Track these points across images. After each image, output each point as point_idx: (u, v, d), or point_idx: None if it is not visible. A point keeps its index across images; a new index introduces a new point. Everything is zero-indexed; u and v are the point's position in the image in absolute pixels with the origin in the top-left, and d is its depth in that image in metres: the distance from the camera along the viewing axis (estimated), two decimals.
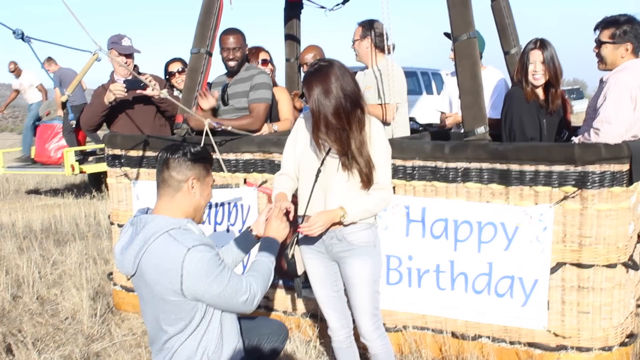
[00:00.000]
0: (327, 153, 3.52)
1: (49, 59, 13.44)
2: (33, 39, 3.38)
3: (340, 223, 3.53)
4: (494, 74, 5.88)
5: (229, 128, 4.84)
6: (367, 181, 3.50)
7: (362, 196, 3.55)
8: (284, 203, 3.53)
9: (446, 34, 4.58)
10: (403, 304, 4.48)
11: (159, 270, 3.01)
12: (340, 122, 3.42)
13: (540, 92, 4.71)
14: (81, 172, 12.48)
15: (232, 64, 5.32)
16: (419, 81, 19.59)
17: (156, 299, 3.09)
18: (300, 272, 3.79)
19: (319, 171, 3.55)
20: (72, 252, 7.63)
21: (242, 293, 3.10)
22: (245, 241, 3.67)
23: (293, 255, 3.74)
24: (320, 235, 3.61)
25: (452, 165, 4.24)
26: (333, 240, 3.63)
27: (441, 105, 6.50)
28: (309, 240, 3.71)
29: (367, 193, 3.55)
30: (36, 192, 14.77)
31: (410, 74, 18.52)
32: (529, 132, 4.62)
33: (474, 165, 4.18)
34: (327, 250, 3.69)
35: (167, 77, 6.52)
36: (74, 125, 12.32)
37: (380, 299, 3.80)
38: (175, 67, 6.51)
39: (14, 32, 3.35)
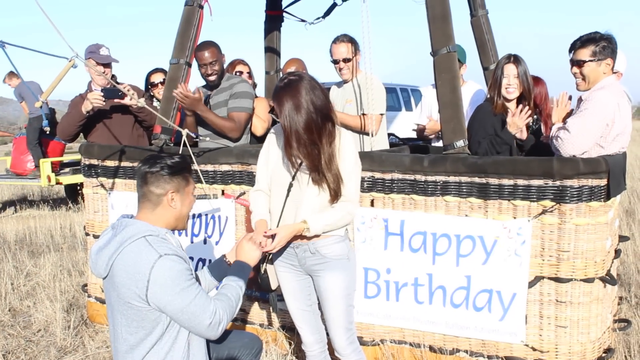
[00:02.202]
0: (299, 167, 3.50)
1: (11, 73, 12.96)
2: (8, 44, 3.32)
3: (304, 236, 3.52)
4: (474, 88, 5.91)
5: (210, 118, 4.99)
6: (334, 195, 3.49)
7: (328, 209, 3.52)
8: (259, 238, 3.49)
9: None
10: (381, 318, 4.45)
11: (128, 272, 2.99)
12: (312, 137, 3.38)
13: (512, 106, 4.76)
14: (57, 183, 12.36)
15: (212, 78, 5.30)
16: (399, 97, 19.65)
17: (121, 302, 3.06)
18: (274, 286, 3.77)
19: (290, 185, 3.54)
20: (47, 263, 7.53)
21: (207, 316, 3.03)
22: (219, 269, 3.58)
23: (266, 270, 3.72)
24: (287, 247, 3.63)
25: (430, 178, 4.23)
26: (306, 254, 3.61)
27: (418, 119, 6.48)
28: (282, 254, 3.69)
29: (333, 206, 3.53)
30: (11, 203, 14.59)
31: (389, 90, 18.56)
32: (482, 147, 4.64)
33: (453, 178, 4.17)
34: (300, 264, 3.67)
35: (149, 87, 6.46)
36: (47, 132, 12.17)
37: (354, 313, 3.76)
38: (157, 77, 6.43)
39: None
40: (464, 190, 4.15)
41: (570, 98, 4.57)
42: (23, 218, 11.91)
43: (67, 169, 12.64)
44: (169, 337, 3.10)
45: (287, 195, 3.55)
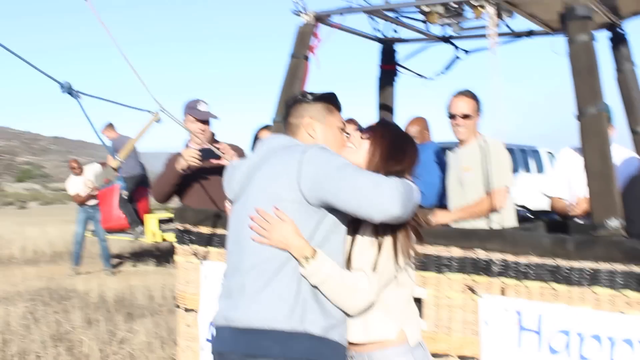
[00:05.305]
0: None
1: (110, 125, 12.52)
2: (82, 94, 2.88)
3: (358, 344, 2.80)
4: (622, 154, 5.05)
5: None
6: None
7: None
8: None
9: None
10: None
11: (276, 169, 2.68)
12: None
13: None
14: (163, 240, 12.15)
15: None
16: (516, 159, 18.76)
17: (264, 206, 2.67)
18: None
19: None
20: (141, 329, 7.11)
21: (385, 188, 2.54)
22: None
23: None
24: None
25: (576, 264, 3.47)
26: None
27: (555, 188, 5.56)
28: None
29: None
30: (119, 257, 14.54)
31: None
32: (637, 227, 3.81)
33: (605, 266, 3.40)
34: None
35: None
36: (126, 197, 11.78)
37: None
38: (266, 135, 5.97)
39: (60, 86, 2.87)
40: (619, 281, 3.36)
41: None
42: (126, 274, 11.74)
43: (172, 225, 12.41)
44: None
45: None
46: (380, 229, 2.73)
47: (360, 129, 2.98)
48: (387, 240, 2.74)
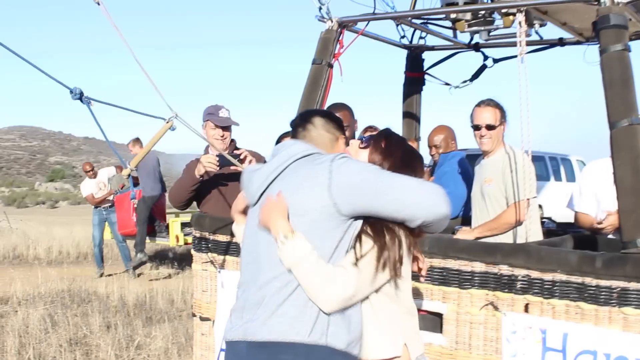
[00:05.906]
0: None
1: (136, 139, 12.30)
2: (93, 101, 2.79)
3: None
4: None
5: None
6: None
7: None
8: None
9: None
10: None
11: (301, 178, 2.58)
12: None
13: None
14: (186, 243, 12.11)
15: None
16: (547, 166, 18.45)
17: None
18: None
19: None
20: (159, 335, 7.03)
21: (415, 182, 2.54)
22: None
23: None
24: None
25: (604, 283, 3.32)
26: None
27: (581, 203, 5.35)
28: None
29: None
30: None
31: (537, 159, 17.36)
32: None
33: (635, 285, 3.25)
34: None
35: None
36: (135, 205, 11.77)
37: None
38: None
39: (71, 92, 2.79)
40: None
41: None
42: (147, 278, 11.70)
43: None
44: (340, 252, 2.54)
45: None
46: (370, 234, 2.62)
47: (360, 138, 2.91)
48: (375, 246, 2.62)
